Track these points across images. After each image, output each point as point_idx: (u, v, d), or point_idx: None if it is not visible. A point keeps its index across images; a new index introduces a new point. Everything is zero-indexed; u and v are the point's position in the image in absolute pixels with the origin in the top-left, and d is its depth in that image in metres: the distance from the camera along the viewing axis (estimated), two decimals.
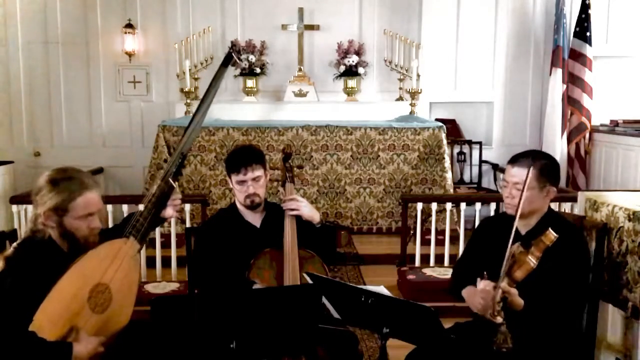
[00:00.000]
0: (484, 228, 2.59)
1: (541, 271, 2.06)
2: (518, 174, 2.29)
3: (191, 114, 5.81)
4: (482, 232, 2.56)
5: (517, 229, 2.32)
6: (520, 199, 2.19)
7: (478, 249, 2.51)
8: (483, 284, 2.15)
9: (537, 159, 2.31)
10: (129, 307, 2.22)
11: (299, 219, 2.58)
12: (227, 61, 2.64)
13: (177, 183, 2.39)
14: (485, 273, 2.19)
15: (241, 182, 2.56)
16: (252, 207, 2.61)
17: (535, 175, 2.26)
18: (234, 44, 2.81)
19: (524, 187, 2.18)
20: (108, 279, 2.13)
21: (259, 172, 2.57)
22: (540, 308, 2.16)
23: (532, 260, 2.03)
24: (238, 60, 2.74)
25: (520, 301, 2.09)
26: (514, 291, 2.07)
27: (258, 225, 2.66)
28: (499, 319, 1.99)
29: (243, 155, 2.59)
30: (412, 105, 6.16)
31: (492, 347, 2.02)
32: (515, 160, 2.35)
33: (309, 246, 2.56)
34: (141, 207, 2.43)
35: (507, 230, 2.35)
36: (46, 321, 1.96)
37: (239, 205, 2.66)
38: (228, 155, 2.71)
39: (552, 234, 2.07)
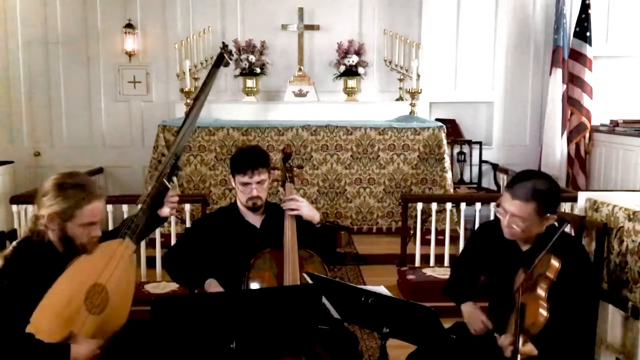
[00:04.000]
0: (482, 234, 2.55)
1: (551, 300, 2.00)
2: (517, 207, 2.14)
3: None
4: (480, 238, 2.54)
5: (517, 246, 2.30)
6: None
7: (475, 255, 2.51)
8: (502, 341, 2.06)
9: (537, 193, 2.13)
10: (126, 308, 2.22)
11: (299, 219, 2.58)
12: (219, 62, 2.63)
13: (172, 183, 2.39)
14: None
15: (245, 184, 2.56)
16: (254, 209, 2.61)
17: (534, 210, 2.14)
18: (225, 44, 2.80)
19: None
20: (104, 280, 2.13)
21: (264, 175, 2.57)
22: (555, 334, 2.08)
23: (543, 311, 1.94)
24: (229, 60, 2.74)
25: (535, 352, 2.01)
26: (530, 348, 1.99)
27: (258, 226, 2.65)
28: None
29: (250, 158, 2.58)
30: (412, 105, 6.16)
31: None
32: (513, 188, 2.18)
33: (309, 246, 2.56)
34: (139, 207, 2.43)
35: (506, 240, 2.31)
36: (43, 322, 1.96)
37: (240, 205, 2.66)
38: (234, 154, 2.68)
39: (555, 264, 2.00)
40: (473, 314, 2.35)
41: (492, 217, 4.56)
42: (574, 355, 2.18)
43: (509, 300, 2.07)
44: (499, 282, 2.24)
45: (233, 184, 2.64)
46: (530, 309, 1.96)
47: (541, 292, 1.98)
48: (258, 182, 2.55)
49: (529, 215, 2.15)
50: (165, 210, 2.39)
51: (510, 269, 2.17)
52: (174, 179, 2.42)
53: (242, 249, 2.51)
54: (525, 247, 2.27)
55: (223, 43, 2.88)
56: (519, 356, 1.90)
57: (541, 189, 2.15)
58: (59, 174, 2.14)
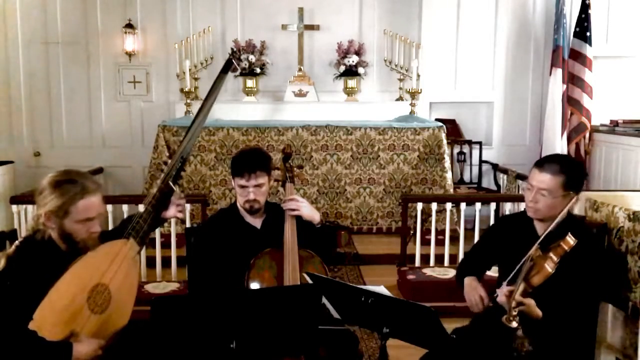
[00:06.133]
0: (502, 225, 2.60)
1: (558, 276, 2.04)
2: (546, 180, 2.24)
3: (191, 114, 5.83)
4: (499, 229, 2.57)
5: (535, 230, 2.33)
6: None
7: (492, 245, 2.53)
8: (502, 291, 2.12)
9: (566, 167, 2.26)
10: (129, 308, 2.22)
11: (299, 219, 2.58)
12: (227, 67, 2.64)
13: (177, 186, 2.40)
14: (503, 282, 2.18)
15: (243, 187, 2.56)
16: (251, 212, 2.61)
17: (561, 184, 2.23)
18: (234, 50, 2.82)
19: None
20: (107, 280, 2.13)
21: (262, 179, 2.56)
22: (557, 313, 2.13)
23: (549, 267, 2.01)
24: (237, 67, 2.76)
25: (538, 312, 2.06)
26: (532, 302, 2.03)
27: (258, 226, 2.66)
28: (514, 324, 1.98)
29: (249, 160, 2.57)
30: (412, 105, 6.16)
31: (512, 352, 2.01)
32: (543, 164, 2.29)
33: (309, 246, 2.56)
34: (141, 207, 2.44)
35: (525, 230, 2.35)
36: (46, 321, 1.96)
37: (239, 207, 2.66)
38: (235, 156, 2.68)
39: (571, 240, 2.05)
40: (472, 287, 2.38)
41: (492, 217, 4.59)
42: (577, 334, 2.22)
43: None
44: (512, 265, 2.25)
45: (233, 185, 2.65)
46: (538, 264, 2.03)
47: (552, 254, 2.04)
48: (256, 186, 2.54)
49: (556, 188, 2.22)
50: (170, 212, 2.40)
51: (524, 250, 2.17)
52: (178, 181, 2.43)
53: (242, 249, 2.51)
54: (541, 231, 2.29)
55: (232, 49, 2.89)
56: (514, 302, 1.98)
57: (569, 163, 2.30)
58: (55, 171, 2.15)
